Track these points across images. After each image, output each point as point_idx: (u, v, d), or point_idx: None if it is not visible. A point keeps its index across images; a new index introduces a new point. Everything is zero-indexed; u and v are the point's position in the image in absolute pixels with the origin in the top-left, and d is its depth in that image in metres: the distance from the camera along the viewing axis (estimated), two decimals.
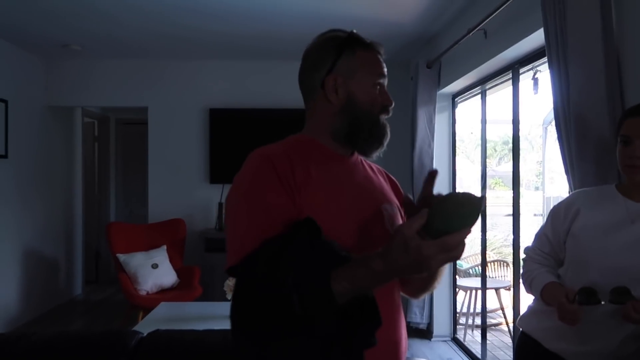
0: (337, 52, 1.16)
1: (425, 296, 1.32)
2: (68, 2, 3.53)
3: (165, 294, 4.32)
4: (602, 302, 1.38)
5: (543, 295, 1.54)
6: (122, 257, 4.42)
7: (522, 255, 1.71)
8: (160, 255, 4.56)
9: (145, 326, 3.04)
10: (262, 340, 1.02)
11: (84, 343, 1.63)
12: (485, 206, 1.06)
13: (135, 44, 4.64)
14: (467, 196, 0.93)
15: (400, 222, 1.22)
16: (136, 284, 4.31)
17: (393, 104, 1.19)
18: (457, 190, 1.04)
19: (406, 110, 4.86)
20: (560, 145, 2.10)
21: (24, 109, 4.77)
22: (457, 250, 0.90)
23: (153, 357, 1.60)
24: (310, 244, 0.98)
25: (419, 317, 4.46)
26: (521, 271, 1.69)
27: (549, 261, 1.62)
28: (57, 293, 5.43)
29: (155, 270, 4.40)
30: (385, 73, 1.19)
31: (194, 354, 1.60)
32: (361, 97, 1.15)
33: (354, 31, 1.20)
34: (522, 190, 6.20)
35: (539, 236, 1.67)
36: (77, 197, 5.90)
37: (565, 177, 2.10)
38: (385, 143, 1.19)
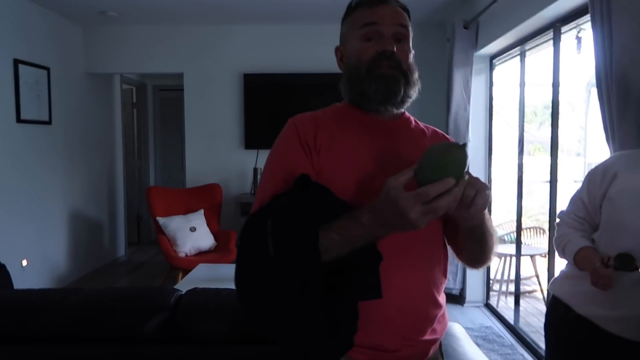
0: (341, 23, 1.20)
1: (484, 267, 1.23)
2: None
3: (203, 256, 4.46)
4: (639, 269, 1.36)
5: (576, 260, 1.53)
6: (161, 220, 4.57)
7: (557, 220, 1.69)
8: (198, 219, 4.69)
9: (184, 285, 3.16)
10: (247, 288, 1.05)
11: (127, 299, 1.72)
12: (467, 156, 0.96)
13: (170, 10, 4.67)
14: (446, 145, 0.91)
15: None
16: (175, 246, 4.46)
17: (392, 47, 1.10)
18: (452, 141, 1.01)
19: (442, 72, 4.76)
20: (600, 106, 2.03)
21: (65, 76, 4.90)
22: (437, 202, 0.86)
23: (191, 312, 1.67)
24: (297, 194, 1.02)
25: (452, 283, 4.47)
26: (554, 235, 1.67)
27: (584, 226, 1.59)
28: (101, 254, 5.69)
29: (193, 234, 4.53)
30: (375, 19, 1.11)
31: (229, 309, 1.67)
32: (350, 55, 1.16)
33: None
34: (562, 156, 6.02)
35: (574, 200, 1.64)
36: (117, 162, 6.08)
37: (605, 141, 2.04)
38: (394, 95, 1.11)
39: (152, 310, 1.67)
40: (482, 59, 4.35)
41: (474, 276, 4.49)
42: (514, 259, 4.28)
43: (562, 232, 1.62)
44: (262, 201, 1.09)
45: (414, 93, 1.16)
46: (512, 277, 4.40)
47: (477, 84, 4.37)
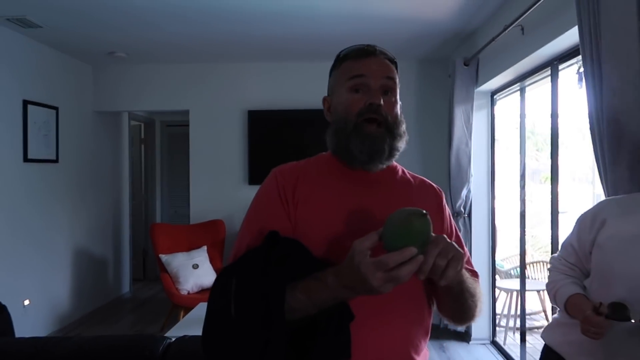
0: (330, 73, 1.21)
1: (467, 324, 1.23)
2: (112, 13, 3.68)
3: (205, 293, 4.43)
4: (633, 321, 1.32)
5: (567, 307, 1.50)
6: (164, 257, 4.57)
7: (549, 266, 1.67)
8: (201, 256, 4.69)
9: (183, 326, 3.17)
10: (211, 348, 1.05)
11: (115, 348, 1.71)
12: (430, 226, 0.89)
13: (177, 49, 4.77)
14: (407, 213, 0.90)
15: None
16: (177, 284, 4.44)
17: (379, 101, 1.10)
18: (409, 207, 0.98)
19: (444, 108, 4.79)
20: (594, 148, 2.02)
21: (74, 114, 5.00)
22: (398, 270, 0.85)
23: None
24: (265, 253, 1.02)
25: None
26: (547, 281, 1.64)
27: (575, 272, 1.57)
28: (106, 291, 5.68)
29: (195, 271, 4.52)
30: (363, 72, 1.11)
31: None
32: (338, 107, 1.16)
33: (355, 45, 1.17)
34: (574, 184, 5.93)
35: (565, 246, 1.62)
36: (124, 197, 6.13)
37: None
38: (379, 155, 1.11)
39: None
40: (483, 95, 4.38)
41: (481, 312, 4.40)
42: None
43: (553, 278, 1.60)
44: (237, 254, 1.10)
45: (401, 146, 1.15)
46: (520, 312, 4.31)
47: (479, 119, 4.38)
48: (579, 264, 1.57)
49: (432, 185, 1.26)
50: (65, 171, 4.83)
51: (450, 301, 1.12)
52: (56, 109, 4.65)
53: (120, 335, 1.87)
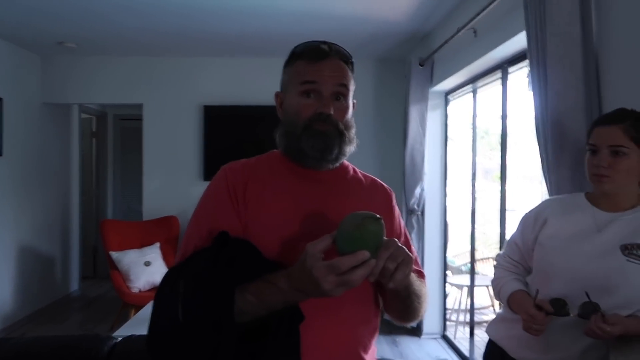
0: (284, 68, 1.18)
1: (415, 322, 1.24)
2: (62, 1, 3.53)
3: None
4: (571, 315, 1.37)
5: (510, 303, 1.55)
6: (114, 254, 4.45)
7: (494, 263, 1.72)
8: (154, 253, 4.59)
9: (132, 325, 3.07)
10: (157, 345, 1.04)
11: (58, 349, 1.65)
12: (383, 229, 0.91)
13: (130, 42, 4.64)
14: (361, 217, 0.91)
15: None
16: (128, 282, 4.34)
17: (329, 110, 1.09)
18: (363, 211, 0.93)
19: (401, 107, 4.85)
20: (539, 148, 2.09)
21: (20, 106, 4.78)
22: (351, 274, 0.86)
23: None
24: (214, 255, 1.00)
25: None
26: (492, 277, 1.69)
27: (518, 269, 1.62)
28: (53, 289, 5.48)
29: (147, 268, 4.42)
30: (315, 78, 1.09)
31: None
32: (289, 108, 1.15)
33: (310, 42, 1.15)
34: (524, 182, 6.13)
35: (510, 243, 1.67)
36: (74, 193, 5.93)
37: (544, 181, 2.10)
38: (329, 152, 1.10)
39: None
40: (437, 95, 4.46)
41: (431, 307, 4.50)
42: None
43: (498, 274, 1.65)
44: (185, 254, 1.07)
45: (350, 149, 1.15)
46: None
47: (433, 118, 4.47)
48: (522, 261, 1.63)
49: (383, 185, 1.27)
50: (10, 165, 4.62)
51: (397, 302, 1.14)
52: (0, 100, 4.44)
53: (64, 336, 1.81)
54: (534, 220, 1.58)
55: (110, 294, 5.83)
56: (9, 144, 4.58)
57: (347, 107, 1.14)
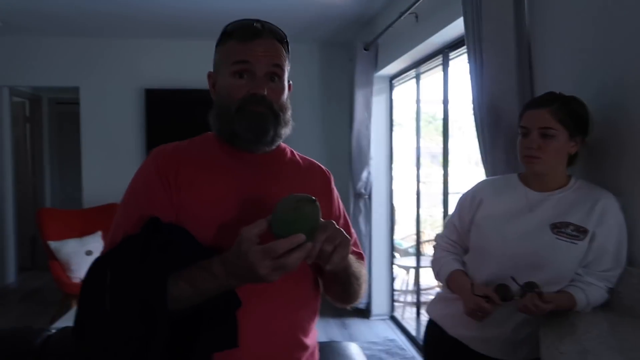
0: (215, 47, 1.14)
1: (355, 304, 1.24)
2: None
3: None
4: (515, 298, 1.40)
5: (448, 283, 1.60)
6: (53, 244, 4.28)
7: (434, 243, 1.76)
8: (95, 242, 4.43)
9: (72, 317, 2.99)
10: (81, 336, 1.00)
11: None
12: (318, 212, 0.92)
13: (63, 20, 4.40)
14: (297, 199, 0.90)
15: None
16: (69, 272, 4.19)
17: (263, 91, 1.05)
18: (298, 194, 0.93)
19: (346, 92, 4.87)
20: (476, 132, 2.15)
21: None
22: (287, 258, 0.85)
23: (59, 355, 1.56)
24: (143, 242, 0.97)
25: None
26: (432, 257, 1.74)
27: (456, 249, 1.67)
28: None
29: (89, 257, 4.27)
30: (247, 58, 1.06)
31: None
32: (221, 89, 1.12)
33: (241, 20, 1.11)
34: (469, 166, 6.31)
35: (448, 224, 1.72)
36: (7, 180, 5.62)
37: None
38: (264, 134, 1.08)
39: (15, 356, 1.54)
40: (382, 80, 4.50)
41: (380, 289, 4.60)
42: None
43: (437, 255, 1.69)
44: (113, 242, 1.02)
45: (286, 132, 1.13)
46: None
47: (378, 103, 4.51)
48: (460, 241, 1.67)
49: (321, 168, 1.26)
50: None
51: (336, 284, 1.15)
52: None
53: None
54: (470, 201, 1.62)
55: (51, 285, 5.58)
56: None
57: (282, 89, 1.11)
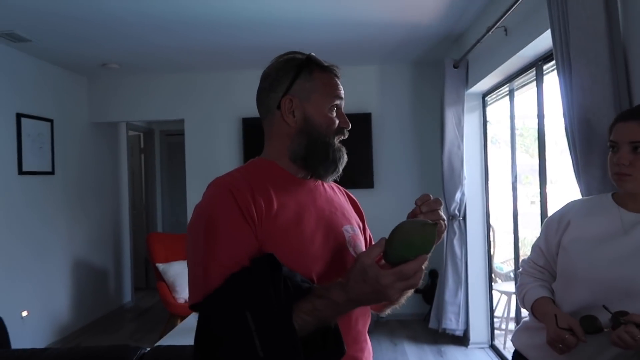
0: (295, 73, 1.16)
1: (390, 309, 1.26)
2: (102, 27, 3.72)
3: None
4: (605, 330, 1.28)
5: (534, 311, 1.49)
6: (161, 266, 4.59)
7: (519, 269, 1.66)
8: None
9: (174, 335, 3.16)
10: None
11: (88, 359, 1.72)
12: (436, 231, 0.96)
13: (167, 60, 4.81)
14: (417, 224, 0.94)
15: (362, 241, 1.22)
16: (175, 292, 4.46)
17: (350, 126, 1.18)
18: (416, 212, 1.03)
19: (437, 111, 4.78)
20: (569, 147, 2.01)
21: (69, 126, 5.05)
22: (414, 277, 0.90)
23: None
24: (271, 279, 0.96)
25: (454, 324, 4.36)
26: (517, 284, 1.63)
27: (543, 274, 1.56)
28: (107, 301, 5.71)
29: None
30: (342, 95, 1.19)
31: None
32: (317, 119, 1.15)
33: (312, 54, 1.19)
34: (572, 184, 5.87)
35: (534, 248, 1.60)
36: (124, 207, 6.17)
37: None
38: (341, 166, 1.17)
39: None
40: (474, 97, 4.36)
41: (478, 316, 4.38)
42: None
43: (523, 281, 1.58)
44: (209, 284, 1.00)
45: None
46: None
47: (471, 121, 4.36)
48: (547, 266, 1.56)
49: (339, 188, 1.34)
50: (62, 182, 4.87)
51: None
52: (51, 121, 4.70)
53: (96, 346, 1.88)
54: (557, 223, 1.51)
55: (161, 305, 6.01)
56: (60, 163, 4.83)
57: None
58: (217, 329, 0.96)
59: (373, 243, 1.19)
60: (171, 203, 7.35)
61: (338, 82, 1.18)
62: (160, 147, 7.28)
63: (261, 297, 0.94)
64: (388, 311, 1.26)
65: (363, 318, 1.18)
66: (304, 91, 1.15)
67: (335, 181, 1.26)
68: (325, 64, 1.18)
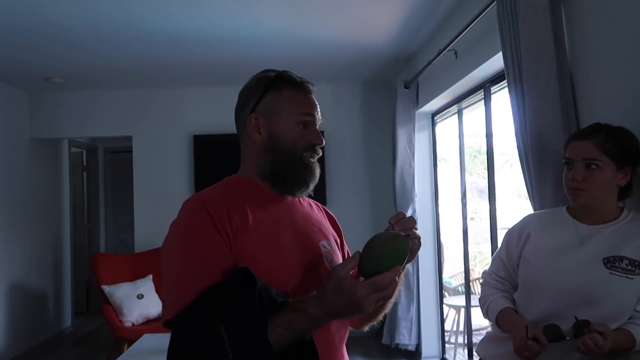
0: (262, 91, 1.17)
1: (369, 325, 1.31)
2: (48, 37, 3.57)
3: (151, 324, 4.28)
4: (567, 338, 1.34)
5: (498, 321, 1.54)
6: (106, 288, 4.41)
7: (481, 280, 1.71)
8: (146, 285, 4.54)
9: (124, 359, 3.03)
10: None
11: None
12: (408, 246, 0.96)
13: (117, 75, 4.69)
14: (389, 236, 0.97)
15: (339, 257, 1.23)
16: (121, 316, 4.28)
17: (323, 143, 1.18)
18: (389, 230, 1.04)
19: (389, 130, 4.89)
20: (521, 165, 2.11)
21: (8, 142, 4.79)
22: (388, 289, 0.91)
23: None
24: (245, 293, 0.96)
25: (407, 339, 4.42)
26: (479, 295, 1.69)
27: (505, 285, 1.62)
28: (46, 326, 5.39)
29: (141, 301, 4.37)
30: (313, 111, 1.17)
31: None
32: (283, 135, 1.15)
33: (286, 71, 1.20)
34: (518, 200, 6.16)
35: (495, 260, 1.67)
36: (65, 227, 5.89)
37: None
38: (312, 183, 1.17)
39: None
40: (424, 116, 4.51)
41: (429, 329, 4.47)
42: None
43: (485, 292, 1.64)
44: (184, 299, 1.00)
45: None
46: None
47: (421, 139, 4.50)
48: (508, 277, 1.62)
49: (317, 203, 1.35)
50: (0, 200, 4.60)
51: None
52: None
53: None
54: (517, 235, 1.58)
55: (104, 329, 5.73)
56: None
57: None
58: (190, 344, 0.97)
59: None
60: (115, 222, 7.09)
61: (310, 97, 1.18)
62: (105, 165, 7.04)
63: (235, 311, 0.95)
64: (366, 328, 1.27)
65: (339, 333, 1.18)
66: (270, 108, 1.17)
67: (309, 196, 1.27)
68: (298, 80, 1.19)
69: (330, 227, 1.29)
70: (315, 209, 1.30)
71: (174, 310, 1.00)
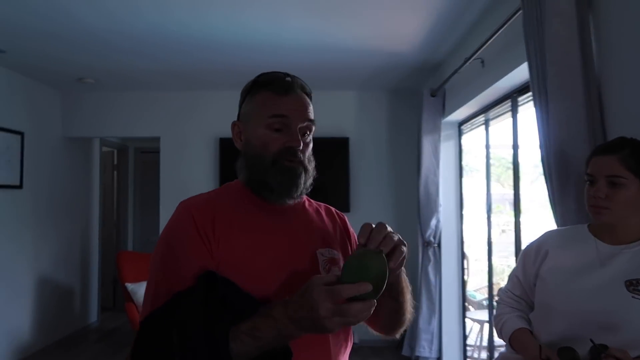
0: (242, 97, 1.17)
1: (400, 331, 1.26)
2: (81, 39, 3.65)
3: None
4: None
5: (511, 342, 1.48)
6: (130, 286, 4.47)
7: (496, 298, 1.66)
8: None
9: None
10: None
11: None
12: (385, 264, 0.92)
13: (146, 77, 4.77)
14: (359, 252, 0.94)
15: (341, 265, 1.20)
16: None
17: (300, 145, 1.09)
18: (368, 247, 0.95)
19: (414, 138, 4.84)
20: (545, 179, 2.04)
21: (41, 140, 4.93)
22: (350, 306, 0.86)
23: None
24: (205, 298, 0.95)
25: (427, 351, 4.34)
26: (494, 313, 1.63)
27: (521, 304, 1.56)
28: (71, 320, 5.51)
29: None
30: (288, 112, 1.09)
31: None
32: (253, 140, 1.12)
33: (274, 72, 1.16)
34: (546, 213, 5.99)
35: (511, 277, 1.61)
36: (94, 224, 6.02)
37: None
38: (294, 188, 1.10)
39: None
40: (450, 125, 4.43)
41: (451, 343, 4.38)
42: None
43: (500, 310, 1.58)
44: (157, 299, 1.01)
45: (310, 182, 1.15)
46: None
47: (447, 149, 4.43)
48: (524, 296, 1.56)
49: (337, 211, 1.29)
50: (30, 197, 4.73)
51: (392, 301, 1.14)
52: (21, 134, 4.58)
53: None
54: (535, 252, 1.52)
55: (128, 327, 5.83)
56: (30, 177, 4.70)
57: (310, 142, 1.15)
58: (146, 346, 0.98)
59: None
60: (143, 222, 7.20)
61: (286, 98, 1.10)
62: (134, 164, 7.17)
63: (190, 315, 0.95)
64: (398, 332, 1.25)
65: (339, 346, 1.13)
66: (246, 114, 1.16)
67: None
68: (274, 82, 1.12)
69: (339, 233, 1.23)
70: (324, 214, 1.24)
71: (145, 312, 1.02)
